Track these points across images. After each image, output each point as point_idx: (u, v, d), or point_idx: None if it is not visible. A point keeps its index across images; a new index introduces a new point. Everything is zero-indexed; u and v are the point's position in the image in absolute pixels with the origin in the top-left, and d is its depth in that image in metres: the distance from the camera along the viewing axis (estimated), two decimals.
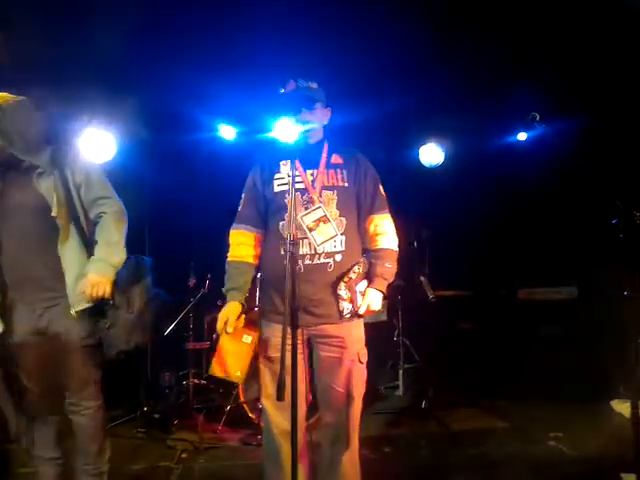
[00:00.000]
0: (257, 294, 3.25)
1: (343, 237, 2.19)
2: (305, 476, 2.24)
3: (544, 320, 4.81)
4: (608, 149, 4.29)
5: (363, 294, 2.19)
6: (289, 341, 1.88)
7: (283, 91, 2.28)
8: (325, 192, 2.22)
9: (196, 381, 4.17)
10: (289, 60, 3.50)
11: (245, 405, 3.58)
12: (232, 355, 2.16)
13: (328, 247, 2.16)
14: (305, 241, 2.15)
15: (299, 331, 2.06)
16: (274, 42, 3.71)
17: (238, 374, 2.15)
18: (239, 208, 2.34)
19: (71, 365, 2.23)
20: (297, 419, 1.89)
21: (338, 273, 2.16)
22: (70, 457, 2.32)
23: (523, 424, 3.71)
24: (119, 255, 2.28)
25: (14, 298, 2.24)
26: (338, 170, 2.27)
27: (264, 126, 4.47)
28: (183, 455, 3.34)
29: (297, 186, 2.20)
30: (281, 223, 2.19)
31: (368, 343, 2.28)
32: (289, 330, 1.89)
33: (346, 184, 2.25)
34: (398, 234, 2.35)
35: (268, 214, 2.27)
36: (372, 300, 2.19)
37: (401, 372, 4.52)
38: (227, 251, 2.34)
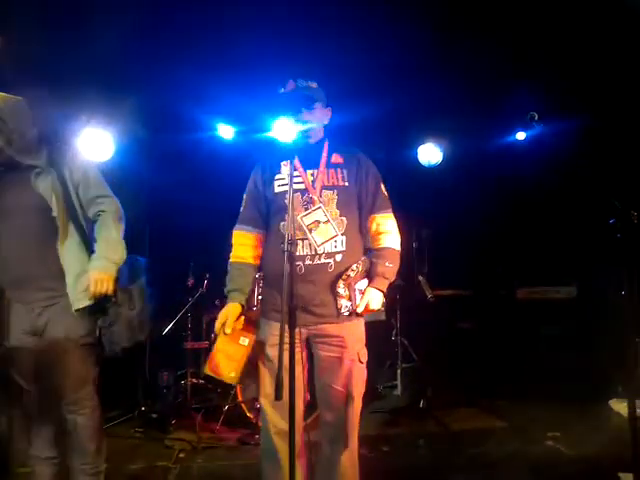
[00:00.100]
0: (256, 294, 3.27)
1: (344, 237, 2.19)
2: (303, 475, 2.24)
3: (543, 320, 4.82)
4: (607, 149, 4.29)
5: (363, 293, 2.18)
6: (287, 340, 1.88)
7: (283, 91, 2.28)
8: (325, 192, 2.22)
9: (194, 381, 4.16)
10: (288, 60, 3.50)
11: (243, 405, 3.58)
12: (228, 356, 2.16)
13: (328, 247, 2.16)
14: (305, 242, 2.15)
15: (298, 330, 2.06)
16: (273, 42, 3.71)
17: (232, 375, 2.15)
18: (241, 209, 2.35)
19: (70, 364, 2.22)
20: (295, 418, 1.89)
21: (339, 273, 2.16)
22: (66, 457, 2.32)
23: (522, 424, 3.71)
24: (120, 252, 2.29)
25: (12, 298, 2.24)
26: (338, 170, 2.27)
27: (263, 126, 4.47)
28: (181, 455, 3.33)
29: (297, 186, 2.20)
30: (282, 223, 2.19)
31: (367, 343, 2.28)
32: (287, 329, 1.89)
33: (346, 183, 2.25)
34: (399, 234, 2.34)
35: (269, 214, 2.28)
36: (371, 299, 2.18)
37: (399, 372, 4.52)
38: (226, 251, 2.34)
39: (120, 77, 3.83)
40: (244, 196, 2.36)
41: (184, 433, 3.62)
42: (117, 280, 2.25)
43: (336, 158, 2.29)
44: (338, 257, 2.16)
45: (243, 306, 2.24)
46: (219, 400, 3.97)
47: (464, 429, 3.74)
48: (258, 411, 3.12)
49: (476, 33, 3.75)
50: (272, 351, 2.13)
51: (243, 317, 2.22)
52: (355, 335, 2.22)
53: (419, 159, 5.14)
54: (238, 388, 3.58)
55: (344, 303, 2.15)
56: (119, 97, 4.04)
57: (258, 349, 2.23)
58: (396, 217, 2.35)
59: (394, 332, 4.64)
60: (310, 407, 2.41)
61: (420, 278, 4.42)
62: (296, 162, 2.23)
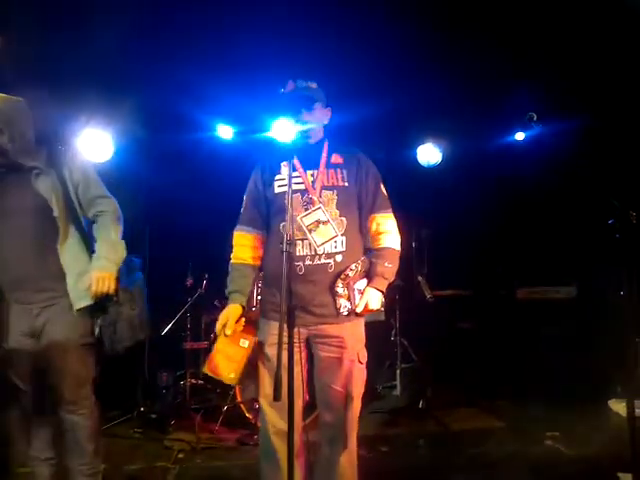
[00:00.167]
0: (255, 294, 3.27)
1: (343, 237, 2.19)
2: (301, 476, 2.24)
3: (543, 320, 4.81)
4: (606, 149, 4.29)
5: (362, 293, 2.18)
6: (286, 340, 1.88)
7: (282, 91, 2.28)
8: (325, 192, 2.22)
9: (193, 381, 4.16)
10: (288, 60, 3.50)
11: (242, 405, 3.58)
12: (227, 358, 2.16)
13: (328, 248, 2.16)
14: (305, 242, 2.16)
15: (298, 330, 2.06)
16: (273, 42, 3.71)
17: (232, 376, 2.16)
18: (241, 210, 2.36)
19: (69, 364, 2.23)
20: (294, 418, 1.89)
21: (339, 273, 2.16)
22: (64, 457, 2.32)
23: (521, 424, 3.71)
24: (120, 252, 2.30)
25: (10, 299, 2.23)
26: (338, 170, 2.27)
27: (262, 126, 4.47)
28: (180, 455, 3.33)
29: (297, 187, 2.21)
30: (282, 224, 2.18)
31: (366, 343, 2.28)
32: (286, 329, 1.89)
33: (346, 184, 2.25)
34: (399, 234, 2.35)
35: (269, 215, 2.28)
36: (370, 299, 2.18)
37: (398, 372, 4.52)
38: (225, 251, 2.35)
39: (119, 77, 3.83)
40: (244, 197, 2.37)
41: (183, 433, 3.62)
42: (118, 279, 2.26)
43: (336, 158, 2.30)
44: (338, 257, 2.17)
45: (244, 307, 2.24)
46: (218, 401, 3.96)
47: (464, 429, 3.75)
48: (257, 412, 3.11)
49: (476, 33, 3.75)
50: (271, 351, 2.14)
51: (243, 319, 2.23)
52: (355, 335, 2.22)
53: (419, 159, 5.14)
54: (237, 389, 3.58)
55: (343, 303, 2.15)
56: (118, 97, 4.04)
57: (258, 349, 2.23)
58: (396, 217, 2.35)
59: (393, 332, 4.64)
60: (309, 407, 2.41)
61: (419, 278, 4.42)
62: (296, 162, 2.23)
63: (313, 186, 2.22)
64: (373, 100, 3.99)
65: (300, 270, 2.13)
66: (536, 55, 3.97)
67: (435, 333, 4.71)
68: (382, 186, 2.35)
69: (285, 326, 1.88)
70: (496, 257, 5.28)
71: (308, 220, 2.17)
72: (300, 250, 2.15)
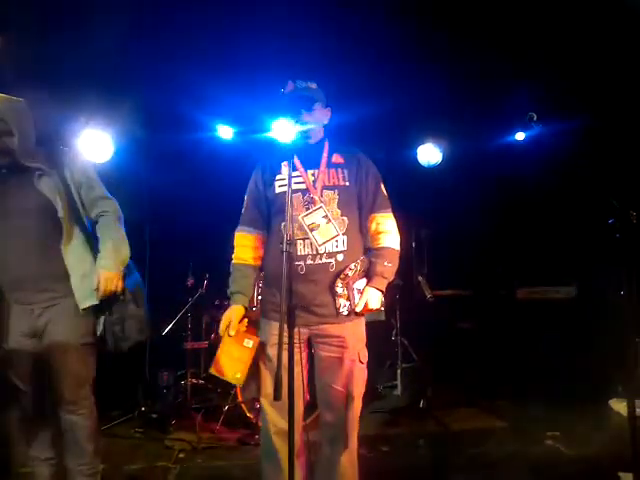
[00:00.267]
0: (255, 294, 3.28)
1: (345, 237, 2.19)
2: (302, 476, 2.24)
3: (543, 320, 4.81)
4: (606, 149, 4.29)
5: (361, 292, 2.19)
6: (286, 340, 1.89)
7: (282, 91, 2.28)
8: (326, 192, 2.22)
9: (194, 381, 4.16)
10: (288, 60, 3.50)
11: (243, 405, 3.58)
12: (233, 358, 2.17)
13: (330, 247, 2.17)
14: (307, 241, 2.16)
15: (299, 330, 2.07)
16: (273, 42, 3.71)
17: (238, 376, 2.17)
18: (242, 210, 2.37)
19: (69, 364, 2.23)
20: (294, 418, 1.89)
21: (340, 273, 2.16)
22: (63, 457, 2.32)
23: (521, 424, 3.71)
24: (125, 251, 2.32)
25: (10, 299, 2.24)
26: (339, 169, 2.27)
27: (262, 126, 4.47)
28: (181, 455, 3.33)
29: (298, 186, 2.21)
30: (283, 224, 2.18)
31: (367, 343, 2.28)
32: (286, 329, 1.89)
33: (347, 183, 2.25)
34: (398, 233, 2.35)
35: (270, 215, 2.29)
36: (370, 298, 2.19)
37: (399, 371, 4.52)
38: (226, 251, 2.36)
39: (119, 77, 3.83)
40: (245, 197, 2.37)
41: (184, 433, 3.62)
42: (124, 278, 2.28)
43: (337, 158, 2.30)
44: (339, 257, 2.17)
45: (246, 308, 2.25)
46: (219, 400, 3.97)
47: (464, 429, 3.74)
48: (258, 411, 3.12)
49: (476, 33, 3.75)
50: (272, 351, 2.14)
51: (246, 319, 2.23)
52: (356, 335, 2.22)
53: (419, 159, 5.14)
54: (238, 388, 3.58)
55: (342, 302, 2.15)
56: (118, 98, 4.04)
57: (259, 349, 2.24)
58: (395, 217, 2.35)
59: (394, 332, 4.64)
60: (310, 407, 2.41)
61: (420, 278, 4.42)
62: (297, 162, 2.24)
63: (314, 186, 2.23)
64: (373, 100, 3.99)
65: (301, 270, 2.14)
66: (536, 55, 3.97)
67: (435, 333, 4.71)
68: (382, 186, 2.35)
69: (285, 326, 1.88)
70: (496, 257, 5.28)
71: (309, 219, 2.18)
72: (301, 249, 2.15)
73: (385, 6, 3.51)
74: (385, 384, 4.59)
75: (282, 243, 1.94)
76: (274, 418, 2.18)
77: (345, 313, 2.16)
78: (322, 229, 2.17)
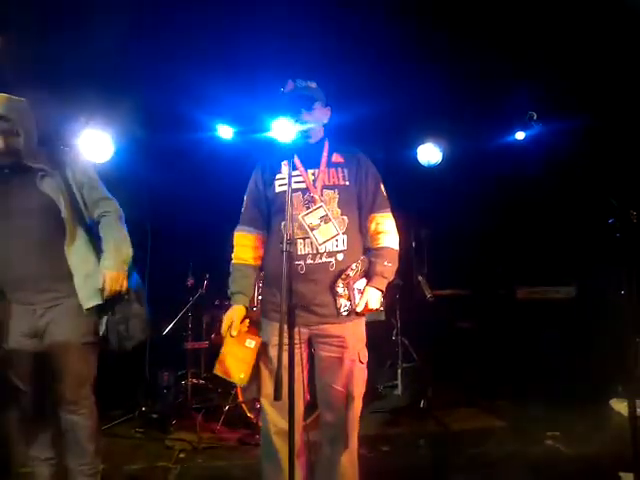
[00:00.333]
0: (255, 294, 3.27)
1: (345, 236, 2.19)
2: (302, 476, 2.24)
3: (543, 320, 4.81)
4: (606, 149, 4.29)
5: (362, 292, 2.19)
6: (286, 340, 1.89)
7: (282, 91, 2.28)
8: (326, 191, 2.22)
9: (194, 381, 4.16)
10: (288, 60, 3.50)
11: (243, 405, 3.58)
12: (235, 358, 2.17)
13: (330, 246, 2.17)
14: (307, 240, 2.16)
15: (300, 330, 2.07)
16: (273, 42, 3.71)
17: (242, 376, 2.17)
18: (242, 210, 2.36)
19: (70, 364, 2.23)
20: (295, 418, 1.89)
21: (340, 272, 2.16)
22: (64, 457, 2.32)
23: (521, 424, 3.71)
24: (128, 251, 2.32)
25: (11, 299, 2.24)
26: (339, 169, 2.27)
27: (262, 126, 4.47)
28: (181, 455, 3.33)
29: (298, 186, 2.22)
30: (283, 223, 2.18)
31: (367, 343, 2.28)
32: (286, 329, 1.89)
33: (347, 183, 2.26)
34: (398, 233, 2.35)
35: (270, 214, 2.29)
36: (370, 298, 2.19)
37: (400, 371, 4.52)
38: (226, 251, 2.36)
39: (119, 77, 3.83)
40: (245, 197, 2.37)
41: (184, 433, 3.62)
42: (128, 278, 2.29)
43: (337, 157, 2.30)
44: (339, 256, 2.17)
45: (247, 308, 2.25)
46: (219, 400, 3.97)
47: (464, 429, 3.74)
48: (258, 411, 3.11)
49: (476, 33, 3.75)
50: (273, 351, 2.14)
51: (248, 320, 2.23)
52: (356, 335, 2.22)
53: (419, 159, 5.14)
54: (238, 388, 3.58)
55: (343, 302, 2.16)
56: (118, 98, 4.04)
57: (260, 349, 2.24)
58: (395, 217, 2.35)
59: (394, 332, 4.64)
60: (310, 407, 2.41)
61: (420, 278, 4.42)
62: (297, 162, 2.24)
63: (314, 185, 2.23)
64: (373, 100, 3.99)
65: (301, 269, 2.14)
66: (536, 55, 3.97)
67: (435, 333, 4.71)
68: (382, 186, 2.35)
69: (285, 326, 1.88)
70: (496, 257, 5.28)
71: (310, 219, 2.18)
72: (302, 249, 2.15)
73: (385, 6, 3.51)
74: (385, 384, 4.59)
75: (282, 243, 1.94)
76: (274, 418, 2.18)
77: (345, 313, 2.17)
78: (322, 228, 2.17)
